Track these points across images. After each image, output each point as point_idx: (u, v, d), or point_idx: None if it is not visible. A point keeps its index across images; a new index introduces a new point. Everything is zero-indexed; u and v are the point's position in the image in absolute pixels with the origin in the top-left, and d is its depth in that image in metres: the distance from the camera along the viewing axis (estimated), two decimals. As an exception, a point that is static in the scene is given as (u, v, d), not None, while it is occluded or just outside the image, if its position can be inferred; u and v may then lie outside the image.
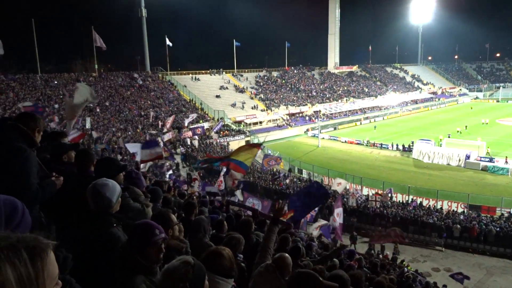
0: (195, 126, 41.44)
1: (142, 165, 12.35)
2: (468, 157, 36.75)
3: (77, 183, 3.18)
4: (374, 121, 66.39)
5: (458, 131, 46.75)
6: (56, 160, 3.78)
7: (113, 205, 2.73)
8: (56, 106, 39.24)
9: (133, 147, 12.86)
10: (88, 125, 32.99)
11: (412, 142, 43.01)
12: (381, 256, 17.37)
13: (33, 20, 48.19)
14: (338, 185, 27.84)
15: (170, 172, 24.68)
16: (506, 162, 34.94)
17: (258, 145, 10.54)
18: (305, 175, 36.10)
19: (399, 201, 28.13)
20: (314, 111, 65.99)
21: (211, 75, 68.04)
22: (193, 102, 55.08)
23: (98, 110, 41.86)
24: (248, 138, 48.69)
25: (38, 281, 0.98)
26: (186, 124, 42.20)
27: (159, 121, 42.95)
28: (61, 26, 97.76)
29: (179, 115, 47.98)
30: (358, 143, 49.16)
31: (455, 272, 15.97)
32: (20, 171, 2.67)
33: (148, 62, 63.76)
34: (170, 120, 36.46)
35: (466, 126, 49.85)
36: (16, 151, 2.70)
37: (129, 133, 37.73)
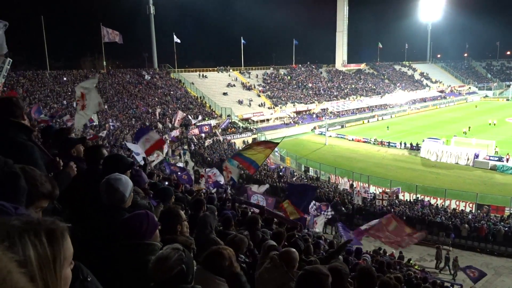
0: (202, 124, 41.60)
1: (150, 159, 12.37)
2: (477, 156, 36.42)
3: (89, 178, 3.22)
4: (382, 119, 66.02)
5: (464, 132, 46.29)
6: (64, 155, 3.82)
7: (126, 200, 2.77)
8: (65, 102, 39.58)
9: (135, 147, 12.82)
10: (96, 122, 33.21)
11: (423, 140, 42.56)
12: (387, 254, 17.31)
13: (43, 17, 48.60)
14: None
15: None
16: (507, 160, 34.62)
17: (274, 144, 10.40)
18: (311, 173, 36.03)
19: (407, 200, 27.97)
20: (321, 109, 65.78)
21: (218, 72, 68.11)
22: (201, 99, 55.21)
23: (106, 106, 42.12)
24: (255, 136, 48.71)
25: (55, 261, 1.05)
26: (193, 122, 42.40)
27: (167, 118, 43.15)
28: (70, 23, 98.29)
29: (186, 112, 48.16)
30: (365, 141, 48.95)
31: (467, 266, 15.92)
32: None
33: (156, 59, 64.00)
34: (179, 117, 36.63)
35: (469, 128, 49.19)
36: (18, 148, 2.64)
37: (137, 129, 37.90)
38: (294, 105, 64.18)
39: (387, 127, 55.31)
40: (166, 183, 8.68)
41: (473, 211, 25.49)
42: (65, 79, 47.51)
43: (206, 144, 39.02)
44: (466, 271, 15.24)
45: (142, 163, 10.48)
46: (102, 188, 2.74)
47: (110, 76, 52.78)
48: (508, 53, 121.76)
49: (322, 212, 19.87)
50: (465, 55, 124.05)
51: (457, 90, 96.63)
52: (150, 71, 59.51)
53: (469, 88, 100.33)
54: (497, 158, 35.92)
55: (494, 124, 54.08)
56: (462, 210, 25.75)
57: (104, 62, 56.71)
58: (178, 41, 62.52)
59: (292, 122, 58.52)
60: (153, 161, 17.39)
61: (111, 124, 35.19)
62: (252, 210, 9.85)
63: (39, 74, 46.70)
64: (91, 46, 76.00)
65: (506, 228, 21.16)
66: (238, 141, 46.20)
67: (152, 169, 15.82)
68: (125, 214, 2.67)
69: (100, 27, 47.81)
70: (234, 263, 2.54)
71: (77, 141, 4.12)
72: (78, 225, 2.70)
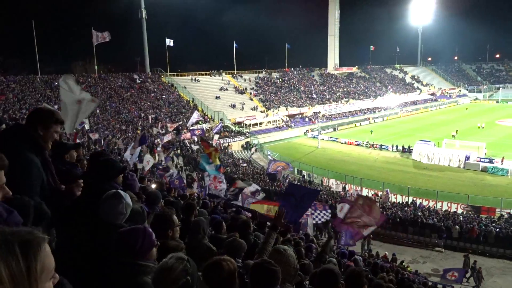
0: (194, 127, 41.52)
1: (141, 167, 12.39)
2: (467, 158, 36.77)
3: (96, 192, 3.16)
4: (374, 122, 66.42)
5: (453, 136, 46.66)
6: (58, 160, 3.78)
7: (125, 219, 2.72)
8: (56, 107, 39.22)
9: (131, 156, 12.90)
10: (87, 126, 32.98)
11: (422, 140, 42.63)
12: (381, 256, 17.37)
13: (33, 22, 48.29)
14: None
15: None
16: (502, 162, 35.00)
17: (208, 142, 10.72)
18: (305, 176, 36.09)
19: (399, 202, 28.13)
20: (314, 112, 66.01)
21: (210, 76, 68.11)
22: (193, 103, 55.13)
23: (97, 111, 41.85)
24: (247, 139, 48.72)
25: (30, 275, 0.98)
26: (189, 125, 42.22)
27: (159, 123, 43.00)
28: (61, 28, 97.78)
29: (178, 116, 48.03)
30: (357, 144, 49.18)
31: (444, 270, 16.08)
32: (18, 185, 2.41)
33: (148, 63, 63.86)
34: (173, 126, 36.77)
35: (456, 131, 49.49)
36: (17, 162, 2.45)
37: (129, 134, 37.73)
38: (286, 109, 64.34)
39: (371, 131, 55.75)
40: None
41: (465, 212, 25.70)
42: (56, 83, 47.13)
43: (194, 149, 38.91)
44: (445, 276, 15.35)
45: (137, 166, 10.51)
46: (105, 205, 2.66)
47: (101, 80, 52.50)
48: (498, 56, 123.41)
49: (317, 211, 19.74)
50: (455, 58, 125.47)
51: (447, 92, 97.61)
52: (142, 75, 59.32)
53: (460, 90, 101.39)
54: (487, 160, 36.29)
55: (483, 128, 54.55)
56: (454, 211, 25.97)
57: (96, 66, 56.45)
58: (171, 44, 62.42)
59: (284, 126, 58.64)
60: (144, 166, 17.28)
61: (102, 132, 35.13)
62: (245, 213, 9.85)
63: (30, 78, 46.32)
64: (82, 51, 75.72)
65: (497, 229, 21.36)
66: (235, 145, 46.24)
67: (144, 174, 15.75)
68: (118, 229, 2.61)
69: (92, 31, 47.65)
70: (234, 279, 2.32)
71: (72, 146, 4.09)
72: (67, 236, 2.67)
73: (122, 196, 2.71)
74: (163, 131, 38.90)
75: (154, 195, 4.70)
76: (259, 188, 18.55)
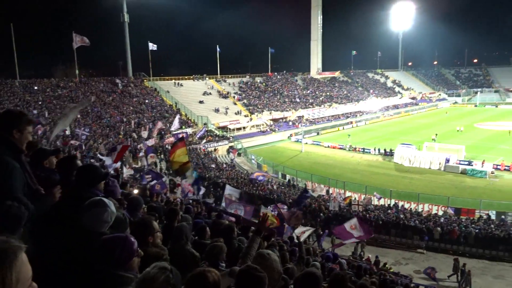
0: (178, 132, 41.30)
1: (125, 172, 12.26)
2: (447, 160, 37.49)
3: (61, 192, 3.11)
4: (357, 125, 67.21)
5: (433, 139, 47.53)
6: (36, 166, 3.70)
7: (108, 226, 2.66)
8: (35, 112, 38.45)
9: (106, 158, 12.98)
10: (68, 131, 32.41)
11: (403, 144, 43.43)
12: (364, 259, 17.51)
13: (12, 25, 47.33)
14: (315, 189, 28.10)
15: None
16: (483, 165, 35.81)
17: (182, 141, 10.64)
18: (288, 179, 36.21)
19: (381, 204, 28.45)
20: (297, 116, 66.38)
21: (194, 80, 67.87)
22: (176, 108, 54.80)
23: (79, 116, 41.20)
24: (231, 144, 48.66)
25: (5, 286, 0.96)
26: (172, 129, 41.95)
27: (142, 127, 42.57)
28: (41, 31, 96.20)
29: (162, 120, 47.65)
30: (340, 148, 49.64)
31: (426, 268, 16.40)
32: (3, 190, 2.43)
33: (131, 68, 63.27)
34: (156, 128, 36.36)
35: (436, 134, 50.47)
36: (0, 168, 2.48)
37: (111, 139, 37.23)
38: (270, 113, 64.54)
39: (348, 135, 56.45)
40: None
41: (446, 214, 26.16)
42: (35, 88, 46.27)
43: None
44: (426, 271, 15.71)
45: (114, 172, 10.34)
46: (89, 213, 2.59)
47: (82, 84, 51.75)
48: (475, 61, 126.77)
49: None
50: (435, 63, 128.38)
51: (428, 96, 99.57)
52: (124, 79, 58.69)
53: (439, 94, 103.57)
54: (467, 163, 37.08)
55: (461, 131, 55.73)
56: (435, 213, 26.40)
57: (77, 71, 55.56)
58: (155, 48, 61.99)
59: (268, 130, 58.78)
60: (123, 171, 17.06)
61: (82, 132, 34.48)
62: (229, 218, 9.81)
63: (8, 83, 45.32)
64: (63, 55, 74.53)
65: (477, 230, 21.81)
66: (221, 150, 46.14)
67: (126, 179, 15.54)
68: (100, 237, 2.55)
69: (72, 34, 47.01)
70: None
71: (51, 152, 4.01)
72: (46, 244, 2.59)
73: (107, 204, 2.65)
74: (146, 136, 38.53)
75: (136, 201, 4.63)
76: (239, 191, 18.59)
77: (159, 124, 39.55)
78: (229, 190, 18.11)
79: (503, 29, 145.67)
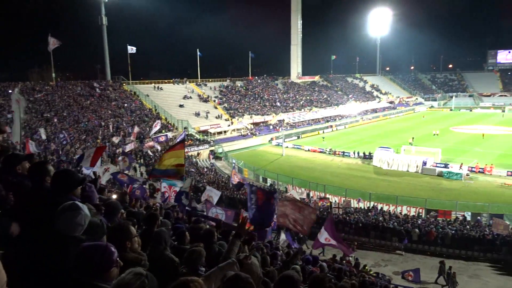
0: (158, 135, 40.89)
1: (102, 177, 12.04)
2: (425, 163, 38.29)
3: (33, 198, 3.03)
4: (336, 129, 67.99)
5: (410, 143, 48.40)
6: (9, 171, 3.60)
7: (83, 230, 2.61)
8: (10, 116, 37.37)
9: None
10: (43, 136, 31.64)
11: (382, 147, 44.09)
12: (344, 262, 17.65)
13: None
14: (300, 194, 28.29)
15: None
16: (461, 168, 36.72)
17: (181, 144, 10.38)
18: (269, 183, 36.28)
19: (361, 207, 28.80)
20: (278, 120, 66.71)
21: (174, 84, 67.40)
22: (156, 112, 54.26)
23: (55, 120, 40.30)
24: (212, 148, 48.47)
25: None
26: (151, 134, 41.49)
27: (121, 132, 41.95)
28: (17, 34, 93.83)
29: (141, 125, 47.08)
30: (321, 152, 50.07)
31: (402, 272, 16.62)
32: None
33: (109, 71, 62.31)
34: (134, 132, 35.90)
35: (413, 138, 51.35)
36: None
37: (88, 143, 36.54)
38: (251, 117, 64.62)
39: (323, 138, 57.15)
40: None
41: (423, 216, 26.68)
42: (10, 91, 45.00)
43: (157, 152, 38.26)
44: (404, 275, 15.88)
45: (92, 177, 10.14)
46: (62, 216, 2.54)
47: (59, 88, 50.67)
48: (450, 66, 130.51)
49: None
50: (412, 68, 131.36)
51: (405, 101, 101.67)
52: (102, 83, 57.77)
53: (416, 99, 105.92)
54: (443, 165, 37.96)
55: (437, 135, 57.00)
56: (413, 215, 26.89)
57: (53, 74, 54.38)
58: (134, 51, 61.24)
59: (249, 134, 58.82)
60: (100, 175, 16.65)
61: (61, 136, 33.73)
62: (209, 223, 9.73)
63: (-19, 86, 44.02)
64: (39, 57, 72.82)
65: (453, 231, 22.32)
66: (204, 154, 45.85)
67: (104, 184, 15.25)
68: (77, 242, 2.49)
69: (48, 38, 46.11)
70: None
71: (24, 157, 3.91)
72: (20, 250, 2.52)
73: (80, 207, 2.61)
74: (126, 140, 38.00)
75: (113, 206, 4.55)
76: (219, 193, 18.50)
77: (136, 129, 39.21)
78: (209, 191, 18.04)
79: (476, 36, 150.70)
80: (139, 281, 1.81)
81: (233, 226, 9.64)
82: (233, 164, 40.75)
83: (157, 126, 40.02)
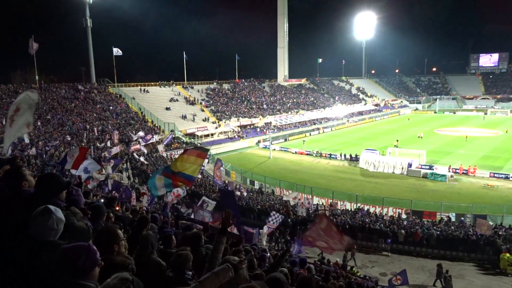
0: (143, 136, 40.70)
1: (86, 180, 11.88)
2: (410, 165, 38.79)
3: (8, 204, 2.97)
4: (323, 132, 68.44)
5: (395, 145, 48.96)
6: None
7: (58, 234, 2.57)
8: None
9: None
10: (26, 140, 31.08)
11: (368, 149, 44.50)
12: (331, 263, 17.73)
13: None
14: (294, 198, 28.47)
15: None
16: (450, 170, 37.30)
17: (204, 153, 10.12)
18: (257, 186, 36.30)
19: (348, 209, 28.99)
20: (265, 123, 66.83)
21: (160, 87, 66.99)
22: (142, 114, 53.81)
23: (39, 123, 39.62)
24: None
25: None
26: (135, 139, 41.21)
27: (107, 135, 41.46)
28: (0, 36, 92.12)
29: (127, 128, 46.63)
30: (308, 154, 50.32)
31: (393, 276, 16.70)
32: None
33: (94, 74, 61.54)
34: (115, 136, 35.41)
35: (397, 140, 51.57)
36: None
37: (73, 147, 36.02)
38: (238, 120, 64.60)
39: (303, 141, 57.64)
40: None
41: (410, 218, 27.00)
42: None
43: (142, 159, 37.95)
44: (392, 283, 15.96)
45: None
46: (34, 221, 2.50)
47: (43, 91, 49.85)
48: (434, 69, 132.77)
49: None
50: (397, 71, 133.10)
51: (390, 103, 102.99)
52: (87, 85, 57.06)
53: (401, 101, 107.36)
54: (428, 167, 38.51)
55: (421, 137, 57.72)
56: (398, 216, 27.18)
57: (36, 76, 53.50)
58: (119, 53, 60.59)
59: (236, 136, 58.77)
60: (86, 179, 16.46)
61: (49, 144, 33.28)
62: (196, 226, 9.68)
63: (-39, 89, 43.05)
64: (22, 60, 71.53)
65: (438, 232, 22.63)
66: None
67: (91, 188, 15.08)
68: (54, 249, 2.46)
69: (32, 39, 45.44)
70: None
71: (5, 162, 3.83)
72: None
73: (52, 211, 2.57)
74: (111, 144, 37.60)
75: (98, 209, 4.49)
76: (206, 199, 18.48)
77: (115, 134, 39.05)
78: (206, 202, 18.06)
79: (459, 40, 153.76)
80: (124, 286, 1.80)
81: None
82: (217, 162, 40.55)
83: (168, 137, 39.99)
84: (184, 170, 9.18)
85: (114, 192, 14.53)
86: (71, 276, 2.07)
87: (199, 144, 50.42)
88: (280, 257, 6.22)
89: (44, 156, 29.14)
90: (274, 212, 20.38)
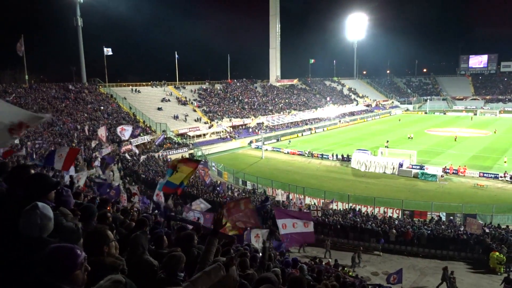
0: (133, 132, 40.32)
1: (76, 180, 11.76)
2: (401, 165, 39.08)
3: (8, 202, 2.94)
4: (315, 132, 68.65)
5: (386, 146, 49.23)
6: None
7: (44, 230, 2.54)
8: None
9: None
10: (16, 141, 30.72)
11: (359, 149, 44.70)
12: (324, 263, 17.79)
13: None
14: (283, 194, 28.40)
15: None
16: (444, 170, 37.68)
17: (196, 163, 10.24)
18: (249, 186, 36.27)
19: (340, 209, 29.11)
20: (257, 123, 66.84)
21: (152, 87, 66.66)
22: (133, 115, 53.50)
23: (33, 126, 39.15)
24: (191, 151, 48.10)
25: None
26: (127, 138, 40.82)
27: (97, 135, 41.11)
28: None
29: (118, 128, 46.28)
30: (300, 154, 50.43)
31: (390, 274, 16.79)
32: None
33: (85, 73, 61.06)
34: (103, 133, 34.62)
35: (387, 141, 51.67)
36: None
37: (64, 147, 35.66)
38: (230, 120, 64.53)
39: (289, 141, 57.87)
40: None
41: (400, 217, 27.20)
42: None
43: (141, 160, 37.78)
44: (389, 281, 16.05)
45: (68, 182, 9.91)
46: (22, 217, 2.49)
47: (33, 90, 49.35)
48: (425, 70, 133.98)
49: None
50: (388, 72, 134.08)
51: (381, 104, 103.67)
52: (77, 85, 56.57)
53: (392, 102, 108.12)
54: (418, 167, 38.82)
55: (411, 138, 58.01)
56: (390, 216, 27.36)
57: (26, 76, 52.90)
58: (110, 53, 60.14)
59: (228, 137, 58.71)
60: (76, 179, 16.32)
61: (36, 142, 32.85)
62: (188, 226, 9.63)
63: (-51, 88, 42.41)
64: (11, 59, 70.68)
65: (429, 231, 22.82)
66: (174, 157, 45.31)
67: (79, 188, 14.93)
68: (44, 246, 2.42)
69: (22, 39, 44.92)
70: None
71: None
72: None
73: (39, 207, 2.55)
74: (102, 144, 37.24)
75: (89, 210, 4.45)
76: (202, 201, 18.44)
77: (101, 131, 38.27)
78: (199, 202, 17.96)
79: (450, 41, 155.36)
80: None
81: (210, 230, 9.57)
82: (208, 164, 40.50)
83: (160, 137, 39.50)
84: (177, 179, 9.34)
85: (100, 193, 14.42)
86: (50, 276, 2.02)
87: (191, 145, 50.31)
88: (263, 252, 6.24)
89: (34, 157, 28.81)
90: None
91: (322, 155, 48.45)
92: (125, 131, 33.14)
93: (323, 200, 30.15)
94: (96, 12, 69.97)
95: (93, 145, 37.16)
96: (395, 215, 27.63)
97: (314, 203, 30.02)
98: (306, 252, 22.46)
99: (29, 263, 2.28)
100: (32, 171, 3.49)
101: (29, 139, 34.64)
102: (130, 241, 4.05)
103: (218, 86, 77.46)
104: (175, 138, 51.43)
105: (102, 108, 51.37)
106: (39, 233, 2.50)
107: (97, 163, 30.00)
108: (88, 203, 5.54)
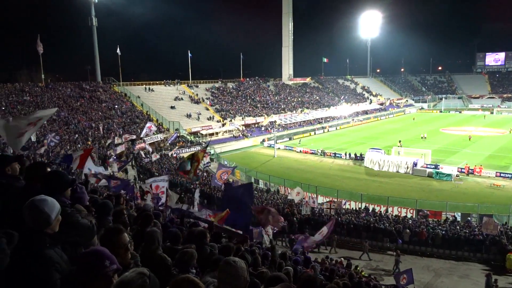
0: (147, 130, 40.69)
1: (92, 178, 11.97)
2: (415, 164, 38.62)
3: (26, 198, 3.00)
4: (328, 131, 68.30)
5: (398, 146, 48.57)
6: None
7: (52, 222, 2.53)
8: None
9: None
10: (33, 139, 31.27)
11: (373, 148, 44.29)
12: (334, 262, 17.71)
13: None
14: (297, 194, 28.33)
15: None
16: (464, 169, 37.23)
17: (203, 150, 10.74)
18: (261, 185, 36.29)
19: (352, 208, 28.91)
20: (270, 122, 66.78)
21: (165, 86, 67.15)
22: (147, 113, 53.99)
23: (45, 122, 39.85)
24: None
25: None
26: (142, 135, 41.21)
27: (112, 133, 41.64)
28: (6, 35, 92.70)
29: (132, 126, 46.81)
30: (312, 153, 50.24)
31: (399, 273, 16.63)
32: None
33: (99, 72, 61.88)
34: (126, 136, 35.59)
35: (400, 141, 50.40)
36: None
37: (79, 145, 36.22)
38: (243, 118, 64.62)
39: (299, 141, 57.55)
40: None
41: (414, 216, 26.89)
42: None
43: (154, 159, 38.08)
44: (399, 282, 15.87)
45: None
46: (26, 209, 2.49)
47: (49, 89, 50.18)
48: (440, 68, 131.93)
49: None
50: (402, 70, 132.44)
51: (395, 102, 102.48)
52: (92, 84, 57.34)
53: (407, 100, 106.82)
54: (433, 166, 38.31)
55: (425, 138, 56.72)
56: (404, 216, 27.06)
57: (42, 75, 53.83)
58: (119, 53, 60.84)
59: (241, 135, 58.80)
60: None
61: (51, 138, 33.33)
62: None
63: (-32, 87, 43.41)
64: (28, 59, 72.06)
65: (444, 232, 22.50)
66: (187, 155, 45.56)
67: (96, 186, 15.17)
68: (46, 239, 2.43)
69: (37, 39, 45.71)
70: None
71: (13, 158, 3.86)
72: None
73: (44, 198, 2.56)
74: (117, 142, 37.73)
75: (105, 206, 4.51)
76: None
77: (124, 136, 39.21)
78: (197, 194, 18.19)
79: (465, 39, 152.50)
80: (141, 280, 1.82)
81: (223, 228, 9.62)
82: (225, 162, 40.57)
83: (151, 129, 39.61)
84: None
85: (114, 190, 14.61)
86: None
87: (204, 143, 50.55)
88: (272, 252, 6.27)
89: (50, 155, 29.32)
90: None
91: (335, 154, 48.19)
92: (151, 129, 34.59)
93: (335, 200, 29.99)
94: (111, 12, 70.84)
95: (107, 143, 37.64)
96: (409, 215, 27.34)
97: (326, 202, 29.84)
98: (337, 252, 22.29)
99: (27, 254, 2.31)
100: (49, 169, 3.56)
101: (46, 137, 35.22)
102: (146, 235, 4.11)
103: (230, 85, 77.62)
104: (188, 137, 51.73)
105: (116, 106, 51.98)
106: (44, 224, 2.50)
107: (111, 160, 30.40)
108: (104, 200, 5.62)
